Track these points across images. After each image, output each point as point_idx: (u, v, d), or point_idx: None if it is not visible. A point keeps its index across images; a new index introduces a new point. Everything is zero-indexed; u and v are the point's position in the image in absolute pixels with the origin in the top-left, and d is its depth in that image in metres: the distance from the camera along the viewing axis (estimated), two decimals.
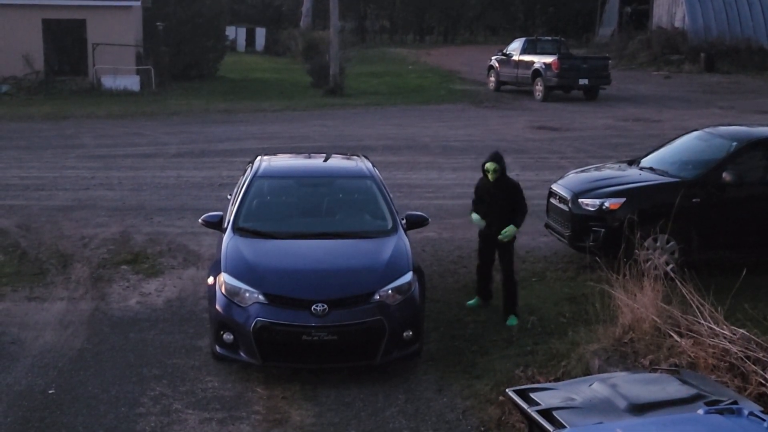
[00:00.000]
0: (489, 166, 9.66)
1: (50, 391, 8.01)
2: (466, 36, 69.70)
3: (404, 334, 8.28)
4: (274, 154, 11.60)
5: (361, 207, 9.86)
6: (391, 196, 9.98)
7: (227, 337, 8.21)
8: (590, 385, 5.43)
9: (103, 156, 19.77)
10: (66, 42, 33.90)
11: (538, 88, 31.78)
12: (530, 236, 13.01)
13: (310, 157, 12.14)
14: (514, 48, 34.46)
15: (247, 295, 8.17)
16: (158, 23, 36.69)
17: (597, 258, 9.42)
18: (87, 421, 7.41)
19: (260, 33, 59.17)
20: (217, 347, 8.35)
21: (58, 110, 27.67)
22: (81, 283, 10.95)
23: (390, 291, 8.32)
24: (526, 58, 33.07)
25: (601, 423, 4.82)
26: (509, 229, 9.61)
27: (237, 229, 9.12)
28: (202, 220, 9.69)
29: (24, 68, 32.47)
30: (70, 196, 15.54)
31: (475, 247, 12.47)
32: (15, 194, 15.78)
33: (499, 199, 9.72)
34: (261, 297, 8.14)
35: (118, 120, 26.08)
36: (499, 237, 9.62)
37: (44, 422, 7.42)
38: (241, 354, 8.18)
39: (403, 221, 9.60)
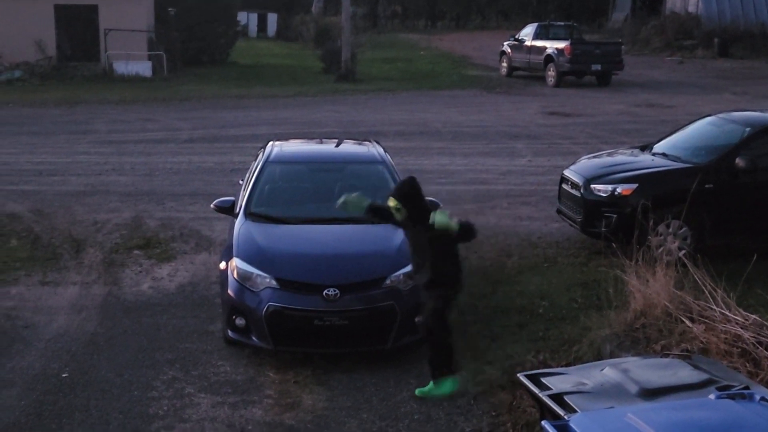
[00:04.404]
0: (390, 203, 7.57)
1: (64, 375, 8.06)
2: (478, 21, 69.38)
3: (415, 319, 8.27)
4: (286, 139, 11.60)
5: (373, 192, 9.80)
6: None
7: (239, 321, 8.25)
8: (601, 370, 5.43)
9: (115, 141, 19.81)
10: (78, 28, 33.94)
11: (551, 73, 31.66)
12: (542, 222, 13.02)
13: (321, 143, 12.14)
14: (527, 33, 34.31)
15: (259, 279, 8.20)
16: (170, 8, 36.69)
17: (612, 243, 9.38)
18: (100, 405, 7.45)
19: (272, 18, 59.11)
20: (229, 332, 8.38)
21: (71, 96, 27.72)
22: (94, 268, 10.99)
23: (401, 276, 8.33)
24: (539, 43, 32.94)
25: (612, 408, 4.82)
26: (438, 218, 7.26)
27: (249, 214, 9.14)
28: (214, 205, 9.73)
29: (36, 54, 32.53)
30: (82, 181, 15.58)
31: (486, 233, 12.50)
32: (28, 179, 15.84)
33: (432, 245, 7.43)
34: (273, 282, 8.16)
35: (130, 105, 26.11)
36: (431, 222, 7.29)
37: (57, 405, 7.47)
38: (253, 338, 8.21)
39: None
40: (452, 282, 7.58)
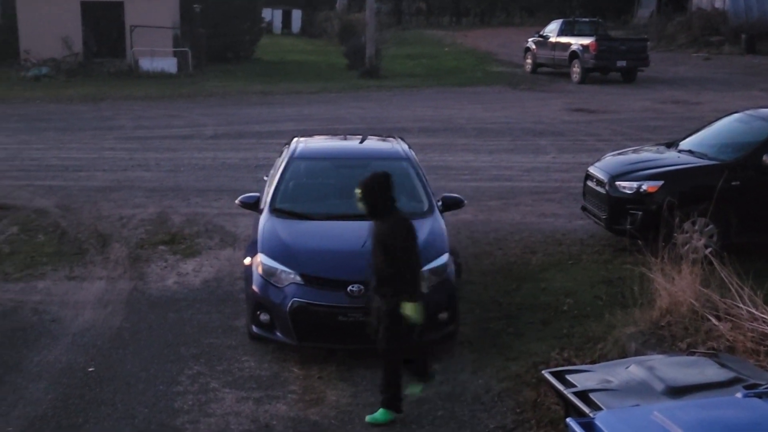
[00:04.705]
0: (356, 191, 7.35)
1: (90, 369, 8.12)
2: (503, 18, 69.13)
3: (439, 315, 8.28)
4: (310, 135, 11.62)
5: (397, 188, 9.79)
6: (427, 177, 9.96)
7: (263, 317, 8.27)
8: (627, 368, 5.41)
9: (140, 137, 19.93)
10: (104, 24, 34.16)
11: (576, 70, 31.50)
12: (566, 219, 12.96)
13: (346, 139, 12.13)
14: (552, 30, 34.16)
15: (284, 275, 8.22)
16: (195, 5, 36.81)
17: (637, 241, 9.31)
18: (126, 399, 7.50)
19: (296, 15, 59.16)
20: (254, 327, 8.41)
21: (97, 92, 27.90)
22: (119, 263, 11.07)
23: (426, 272, 8.30)
24: (564, 39, 32.78)
25: (638, 405, 4.80)
26: (414, 316, 6.99)
27: (274, 210, 9.16)
28: (239, 201, 9.76)
29: (63, 51, 32.76)
30: (108, 177, 15.68)
31: (510, 230, 12.51)
32: (55, 175, 15.96)
33: (376, 246, 7.16)
34: (297, 277, 8.18)
35: (156, 102, 26.25)
36: (405, 313, 7.00)
37: (84, 399, 7.53)
38: (278, 334, 8.24)
39: (439, 203, 9.60)
40: (392, 292, 7.01)
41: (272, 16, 57.18)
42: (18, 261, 11.12)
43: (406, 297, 6.97)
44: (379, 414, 7.15)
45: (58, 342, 8.72)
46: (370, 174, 7.35)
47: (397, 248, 6.97)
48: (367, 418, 7.18)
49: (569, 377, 5.29)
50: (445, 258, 8.56)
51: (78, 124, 21.90)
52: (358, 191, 7.24)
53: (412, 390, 7.44)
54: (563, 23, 34.38)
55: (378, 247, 7.07)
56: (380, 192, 7.17)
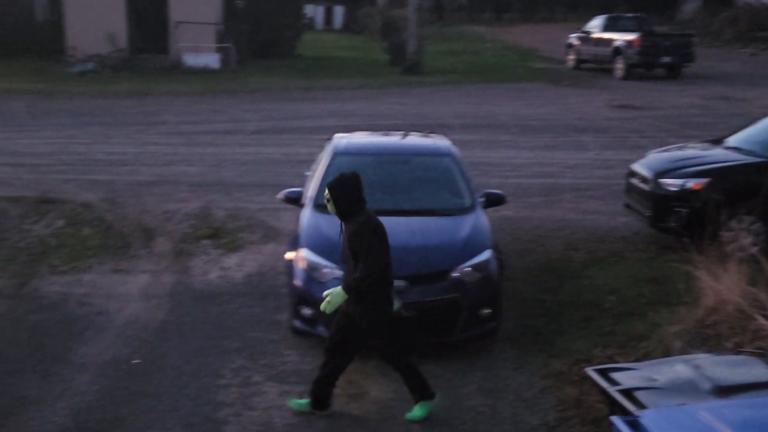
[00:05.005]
0: (325, 192, 7.19)
1: (134, 361, 8.21)
2: (545, 14, 68.59)
3: (482, 311, 8.27)
4: (352, 131, 11.64)
5: (440, 184, 9.84)
6: (469, 174, 9.93)
7: (306, 311, 8.31)
8: (673, 366, 5.36)
9: (184, 132, 20.11)
10: (149, 20, 34.47)
11: (619, 66, 31.19)
12: (609, 216, 12.86)
13: (388, 135, 12.14)
14: (595, 25, 33.86)
15: (327, 270, 8.24)
16: (238, 1, 37.03)
17: (682, 238, 9.21)
18: (170, 391, 7.57)
19: (338, 11, 59.27)
20: (296, 322, 8.46)
21: (141, 87, 28.18)
22: (163, 257, 11.18)
23: (468, 268, 8.31)
24: (607, 35, 32.47)
25: (684, 404, 4.75)
26: (332, 294, 6.91)
27: (317, 206, 9.19)
28: (282, 196, 9.82)
29: (108, 47, 33.13)
30: (152, 171, 15.83)
31: (552, 227, 12.44)
32: (100, 169, 16.16)
33: (345, 248, 7.03)
34: (340, 272, 8.18)
35: (199, 97, 26.45)
36: (321, 306, 7.03)
37: (129, 391, 7.62)
38: (320, 329, 8.27)
39: (482, 199, 9.57)
40: (354, 289, 6.85)
41: (314, 12, 57.36)
42: (64, 254, 11.29)
43: (344, 286, 6.84)
44: (417, 410, 7.14)
45: (104, 334, 8.83)
46: (339, 174, 7.20)
47: (359, 246, 6.82)
48: (407, 415, 7.17)
49: (613, 375, 5.25)
50: (487, 254, 8.54)
51: (123, 119, 22.14)
52: (326, 192, 7.07)
53: (417, 414, 7.15)
54: (607, 19, 34.05)
55: (347, 249, 6.94)
56: (348, 193, 6.99)
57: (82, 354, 8.36)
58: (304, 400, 7.24)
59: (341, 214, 7.03)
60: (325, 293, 7.00)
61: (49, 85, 28.37)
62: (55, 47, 34.17)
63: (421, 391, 7.15)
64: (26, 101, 25.07)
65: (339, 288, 6.88)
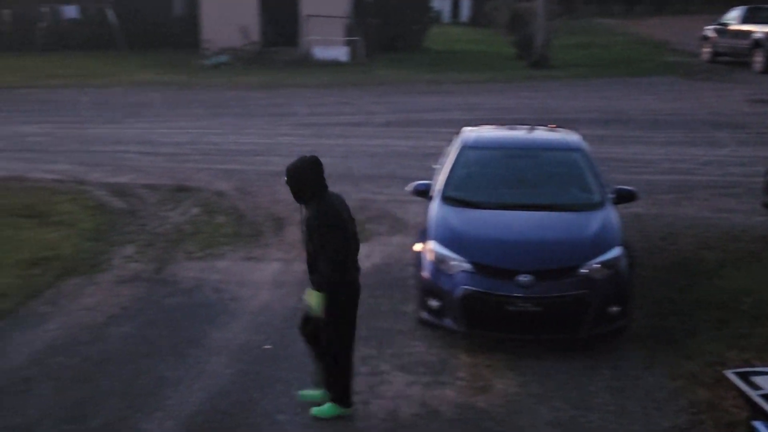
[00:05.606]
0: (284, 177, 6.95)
1: (266, 347, 8.45)
2: (679, 5, 66.66)
3: (610, 309, 8.16)
4: (479, 125, 11.63)
5: (569, 179, 9.74)
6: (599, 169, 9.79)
7: (433, 303, 8.38)
8: None
9: (313, 124, 20.48)
10: (280, 14, 35.20)
11: (758, 59, 30.00)
12: (745, 215, 12.46)
13: (516, 129, 12.09)
14: (732, 17, 32.68)
15: (454, 263, 8.29)
16: None
17: None
18: (301, 377, 7.73)
19: (465, 4, 59.09)
20: (423, 313, 8.54)
21: (272, 80, 28.83)
22: (294, 246, 11.43)
23: (597, 265, 8.22)
24: (745, 27, 31.28)
25: None
26: (314, 304, 6.78)
27: (445, 198, 9.25)
28: (411, 188, 9.91)
29: (241, 39, 34.00)
30: (283, 161, 15.94)
31: (684, 225, 12.13)
32: (233, 159, 16.65)
33: (304, 233, 6.89)
34: (468, 265, 8.24)
35: (328, 90, 26.87)
36: (306, 301, 6.94)
37: (260, 375, 7.85)
38: (446, 321, 8.33)
39: (612, 195, 9.43)
40: (326, 285, 6.69)
41: (441, 5, 57.34)
42: (199, 240, 11.69)
43: (315, 286, 6.71)
44: (328, 408, 7.04)
45: (237, 320, 9.12)
46: (298, 158, 6.94)
47: (316, 235, 6.64)
48: (314, 410, 7.06)
49: (755, 379, 5.10)
50: (617, 251, 8.43)
51: (254, 111, 22.72)
52: (285, 177, 6.87)
53: (308, 395, 7.21)
54: (746, 10, 32.77)
55: (305, 233, 6.78)
56: (306, 177, 6.78)
57: (216, 338, 8.65)
58: (327, 406, 7.07)
59: (299, 199, 6.85)
60: (305, 297, 6.85)
61: (184, 77, 29.36)
62: (191, 40, 35.33)
63: (342, 396, 7.03)
64: (163, 93, 26.02)
65: (314, 292, 6.69)
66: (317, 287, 6.69)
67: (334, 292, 6.70)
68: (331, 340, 6.88)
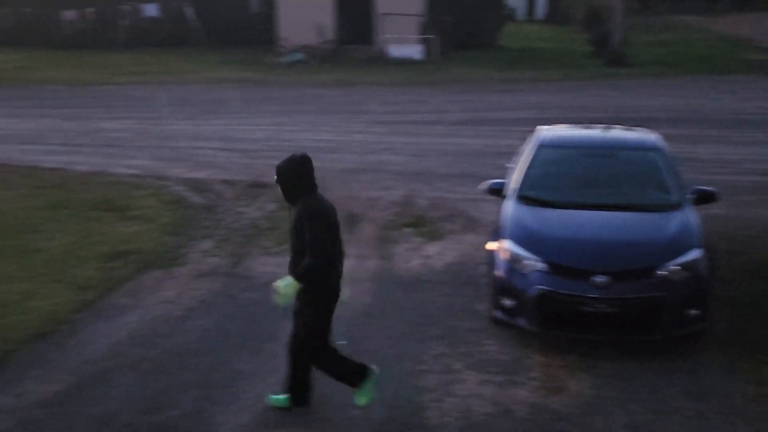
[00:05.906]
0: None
1: (340, 342, 8.46)
2: (764, 3, 65.03)
3: (688, 311, 8.03)
4: (554, 123, 11.54)
5: (647, 179, 9.61)
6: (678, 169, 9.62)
7: (506, 302, 8.35)
8: None
9: (388, 122, 20.55)
10: (355, 12, 35.41)
11: None
12: None
13: (592, 128, 11.95)
14: None
15: (529, 262, 8.25)
16: None
17: None
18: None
19: (541, 1, 58.59)
20: (496, 312, 8.51)
21: (346, 77, 29.01)
22: (368, 243, 11.50)
23: (675, 266, 8.09)
24: None
25: None
26: (283, 286, 6.72)
27: (520, 197, 9.20)
28: (486, 187, 9.88)
29: (317, 38, 34.29)
30: (357, 159, 16.30)
31: (767, 227, 11.83)
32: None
33: (290, 230, 6.87)
34: (543, 265, 8.18)
35: (402, 88, 26.93)
36: (275, 300, 6.88)
37: None
38: (519, 320, 8.29)
39: (692, 196, 9.26)
40: (304, 273, 6.65)
41: (516, 2, 56.95)
42: (275, 236, 11.82)
43: (292, 273, 6.68)
44: (282, 399, 7.16)
45: None
46: (288, 157, 6.88)
47: (305, 229, 6.61)
48: (271, 397, 7.19)
49: None
50: (696, 253, 8.28)
51: (329, 108, 22.90)
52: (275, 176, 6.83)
53: (277, 401, 7.23)
54: None
55: (293, 232, 6.76)
56: (293, 177, 6.76)
57: (290, 333, 8.71)
58: (283, 396, 7.19)
59: (287, 198, 6.83)
60: (275, 284, 6.75)
61: (260, 75, 29.74)
62: (267, 38, 35.78)
63: (301, 396, 7.12)
64: (240, 90, 26.39)
65: (290, 279, 6.66)
66: (294, 275, 6.68)
67: (312, 284, 6.71)
68: (300, 336, 6.97)
